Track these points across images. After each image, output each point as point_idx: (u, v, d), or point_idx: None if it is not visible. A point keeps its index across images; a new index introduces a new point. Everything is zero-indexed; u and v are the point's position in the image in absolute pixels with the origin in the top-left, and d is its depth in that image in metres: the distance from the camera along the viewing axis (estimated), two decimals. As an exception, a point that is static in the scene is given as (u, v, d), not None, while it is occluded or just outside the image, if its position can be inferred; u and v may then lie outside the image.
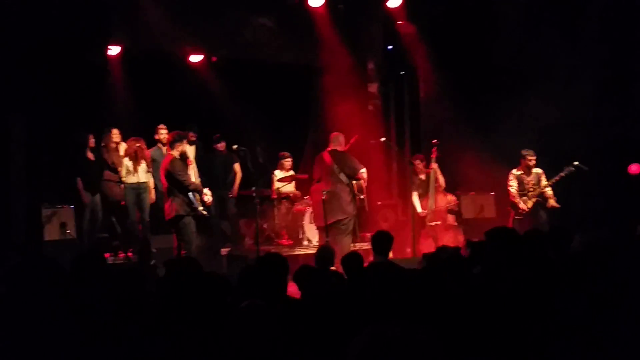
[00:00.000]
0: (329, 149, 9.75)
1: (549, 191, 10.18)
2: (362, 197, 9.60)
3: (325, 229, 9.41)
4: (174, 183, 8.57)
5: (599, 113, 10.71)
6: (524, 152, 10.24)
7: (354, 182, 9.54)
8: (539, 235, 5.54)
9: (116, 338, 3.67)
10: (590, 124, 10.74)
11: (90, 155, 10.08)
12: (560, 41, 10.72)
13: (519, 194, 10.21)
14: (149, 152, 10.24)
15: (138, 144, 10.02)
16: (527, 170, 10.26)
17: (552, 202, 10.14)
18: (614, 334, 3.50)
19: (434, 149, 10.67)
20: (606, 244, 5.20)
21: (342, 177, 9.52)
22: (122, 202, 10.14)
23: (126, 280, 4.40)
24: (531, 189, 10.20)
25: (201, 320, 3.64)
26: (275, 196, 11.22)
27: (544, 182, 10.18)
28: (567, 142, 10.52)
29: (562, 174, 10.02)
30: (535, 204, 10.16)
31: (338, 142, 9.72)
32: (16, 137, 9.21)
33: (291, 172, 11.59)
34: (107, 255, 9.52)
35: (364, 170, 9.60)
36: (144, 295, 4.38)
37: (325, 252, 6.51)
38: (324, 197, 9.30)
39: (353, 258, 5.80)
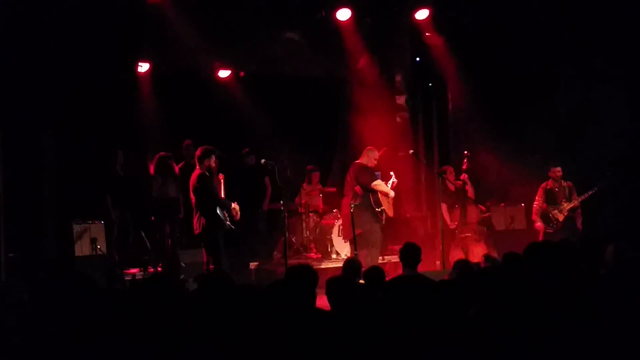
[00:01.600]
0: (355, 161, 9.72)
1: (578, 208, 10.14)
2: (378, 209, 9.43)
3: (353, 242, 9.36)
4: (201, 198, 8.61)
5: (633, 122, 10.53)
6: (550, 165, 10.20)
7: (371, 194, 9.41)
8: (570, 246, 5.45)
9: (146, 352, 3.67)
10: (625, 134, 10.56)
11: (119, 172, 10.15)
12: (594, 48, 10.59)
13: (552, 207, 10.15)
14: (178, 168, 10.28)
15: (167, 160, 10.07)
16: (556, 184, 10.20)
17: (578, 222, 10.12)
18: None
19: (465, 160, 10.59)
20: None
21: (359, 189, 9.45)
22: (152, 218, 10.19)
23: (155, 295, 4.41)
24: (564, 202, 10.13)
25: (235, 334, 3.63)
26: (304, 210, 11.22)
27: (576, 196, 10.13)
28: (601, 152, 10.38)
29: (595, 190, 9.95)
30: (566, 217, 10.10)
31: (366, 156, 9.63)
32: (47, 154, 9.35)
33: (319, 186, 11.59)
34: (136, 270, 9.59)
35: (376, 182, 9.43)
36: (174, 309, 4.38)
37: (351, 265, 6.47)
38: (351, 210, 9.26)
39: (374, 272, 5.75)
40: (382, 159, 10.39)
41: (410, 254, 6.36)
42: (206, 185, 8.60)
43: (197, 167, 8.77)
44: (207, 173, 8.67)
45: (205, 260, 8.83)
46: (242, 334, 3.25)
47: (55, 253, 9.13)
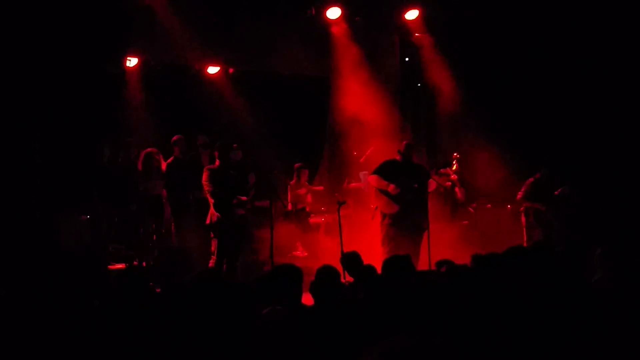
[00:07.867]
0: None
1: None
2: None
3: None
4: (209, 192, 8.82)
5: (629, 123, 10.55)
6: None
7: None
8: (548, 248, 5.43)
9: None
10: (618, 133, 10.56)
11: (107, 166, 10.08)
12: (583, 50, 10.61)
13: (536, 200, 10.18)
14: (165, 163, 10.21)
15: (153, 157, 10.02)
16: (544, 176, 10.23)
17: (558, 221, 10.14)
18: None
19: (454, 162, 10.60)
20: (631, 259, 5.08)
21: None
22: (136, 213, 10.13)
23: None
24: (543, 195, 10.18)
25: (224, 329, 3.61)
26: (291, 207, 11.19)
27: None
28: (590, 151, 10.41)
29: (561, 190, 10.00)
30: (552, 210, 10.09)
31: None
32: (34, 148, 9.27)
33: (306, 184, 11.58)
34: (121, 265, 9.54)
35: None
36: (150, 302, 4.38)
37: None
38: None
39: (351, 257, 5.98)
40: (370, 158, 10.41)
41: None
42: (213, 180, 8.82)
43: (216, 160, 9.02)
44: (217, 168, 8.89)
45: (213, 249, 8.97)
46: (243, 331, 3.23)
47: (40, 247, 9.05)
